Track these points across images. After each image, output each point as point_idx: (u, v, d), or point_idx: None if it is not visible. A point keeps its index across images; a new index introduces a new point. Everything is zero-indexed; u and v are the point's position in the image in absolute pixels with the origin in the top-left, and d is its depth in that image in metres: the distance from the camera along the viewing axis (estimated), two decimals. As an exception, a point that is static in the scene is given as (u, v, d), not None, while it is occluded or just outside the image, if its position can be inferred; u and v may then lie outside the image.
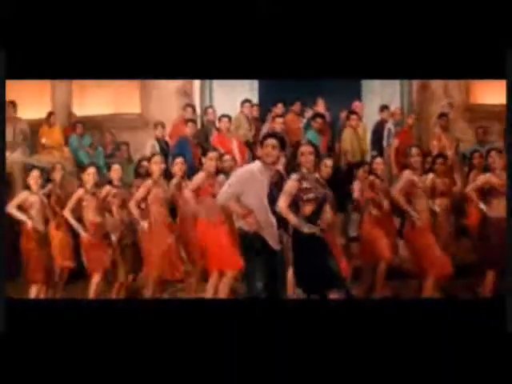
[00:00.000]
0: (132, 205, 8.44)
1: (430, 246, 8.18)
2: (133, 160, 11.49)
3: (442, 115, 12.27)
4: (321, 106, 12.71)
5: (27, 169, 10.42)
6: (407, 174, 8.35)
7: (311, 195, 6.57)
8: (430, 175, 8.77)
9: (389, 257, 8.56)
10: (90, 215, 8.68)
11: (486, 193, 8.46)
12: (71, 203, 8.69)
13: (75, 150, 12.39)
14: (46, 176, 9.23)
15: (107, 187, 8.97)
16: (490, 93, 13.71)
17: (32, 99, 13.05)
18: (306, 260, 6.61)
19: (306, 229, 6.50)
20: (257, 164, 6.78)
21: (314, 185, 6.66)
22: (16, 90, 12.17)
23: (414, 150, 8.46)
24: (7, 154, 11.18)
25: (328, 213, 6.75)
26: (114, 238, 8.83)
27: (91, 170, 8.80)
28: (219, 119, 11.41)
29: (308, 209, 6.59)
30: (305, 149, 6.73)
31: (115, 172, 9.09)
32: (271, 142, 6.71)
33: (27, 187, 8.80)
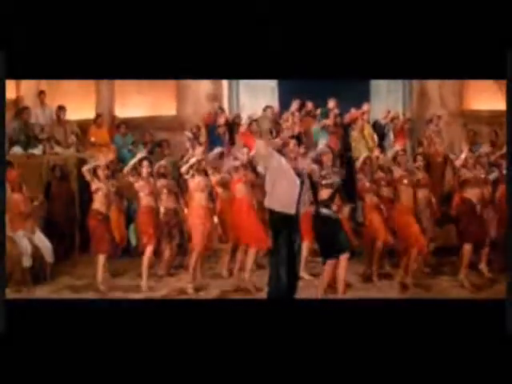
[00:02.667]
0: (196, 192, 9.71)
1: (409, 224, 9.63)
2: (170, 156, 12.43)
3: (431, 121, 13.53)
4: (332, 104, 13.90)
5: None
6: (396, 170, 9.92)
7: (329, 181, 8.30)
8: (417, 171, 10.13)
9: (384, 237, 9.87)
10: (144, 200, 9.99)
11: (462, 183, 9.93)
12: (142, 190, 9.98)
13: (120, 147, 13.46)
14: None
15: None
16: (480, 100, 14.96)
17: (78, 102, 14.22)
18: (324, 233, 8.37)
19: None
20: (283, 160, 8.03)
21: (331, 173, 8.37)
22: (64, 93, 13.94)
23: (400, 151, 10.12)
24: (60, 150, 12.86)
25: (339, 198, 8.49)
26: (163, 219, 10.18)
27: (145, 163, 10.06)
28: (248, 122, 12.35)
29: (325, 193, 8.30)
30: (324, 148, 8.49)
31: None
32: (293, 141, 8.31)
33: (96, 177, 9.88)
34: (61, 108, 13.65)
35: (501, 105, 14.20)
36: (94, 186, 9.90)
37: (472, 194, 9.87)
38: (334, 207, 8.39)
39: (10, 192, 9.94)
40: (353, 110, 13.79)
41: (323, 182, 8.31)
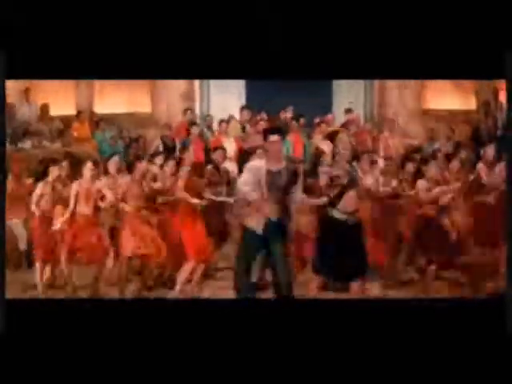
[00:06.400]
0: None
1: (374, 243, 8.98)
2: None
3: (389, 121, 13.96)
4: (289, 113, 14.14)
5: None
6: None
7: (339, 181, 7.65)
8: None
9: None
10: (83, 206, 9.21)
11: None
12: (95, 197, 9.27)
13: (100, 142, 13.88)
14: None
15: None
16: (439, 99, 15.69)
17: (59, 100, 14.97)
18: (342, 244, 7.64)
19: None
20: (262, 161, 7.54)
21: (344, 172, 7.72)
22: (45, 91, 14.66)
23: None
24: (48, 144, 13.48)
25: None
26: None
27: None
28: (219, 123, 13.25)
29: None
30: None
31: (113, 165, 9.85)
32: (277, 137, 7.39)
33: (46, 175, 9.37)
34: (44, 105, 14.47)
35: (457, 104, 15.31)
36: (38, 191, 9.35)
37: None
38: (349, 208, 7.57)
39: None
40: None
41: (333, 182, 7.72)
